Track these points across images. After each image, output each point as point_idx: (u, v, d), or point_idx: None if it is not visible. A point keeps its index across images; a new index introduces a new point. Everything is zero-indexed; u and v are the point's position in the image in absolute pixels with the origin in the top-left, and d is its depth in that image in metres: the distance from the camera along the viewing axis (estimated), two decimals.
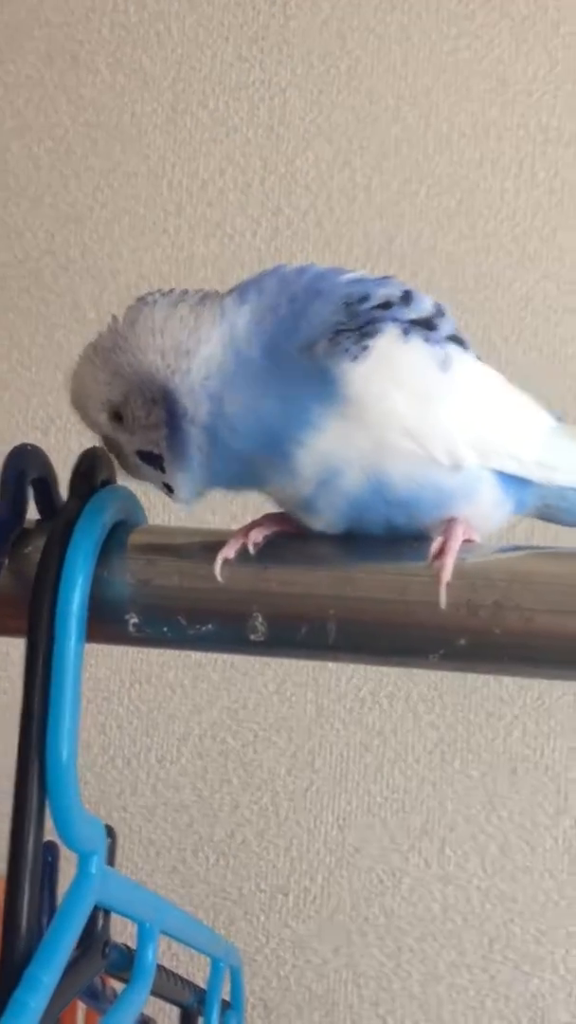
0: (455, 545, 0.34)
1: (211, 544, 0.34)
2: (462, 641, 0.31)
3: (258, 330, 0.36)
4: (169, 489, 0.38)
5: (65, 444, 0.87)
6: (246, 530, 0.35)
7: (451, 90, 0.84)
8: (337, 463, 0.35)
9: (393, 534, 0.36)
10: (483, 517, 0.37)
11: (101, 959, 0.38)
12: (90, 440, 0.95)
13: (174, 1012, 0.52)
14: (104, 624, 0.34)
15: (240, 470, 0.36)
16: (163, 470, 0.37)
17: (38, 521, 0.37)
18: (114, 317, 0.38)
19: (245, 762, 0.83)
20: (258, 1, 0.86)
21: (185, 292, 0.38)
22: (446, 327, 0.37)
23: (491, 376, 0.40)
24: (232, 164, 0.87)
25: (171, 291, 0.38)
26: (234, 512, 0.79)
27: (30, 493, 0.36)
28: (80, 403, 0.38)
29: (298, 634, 0.33)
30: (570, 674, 0.35)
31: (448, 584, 0.32)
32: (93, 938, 0.37)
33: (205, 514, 0.81)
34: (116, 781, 0.84)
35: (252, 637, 0.33)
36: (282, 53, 0.86)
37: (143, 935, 0.41)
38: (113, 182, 0.88)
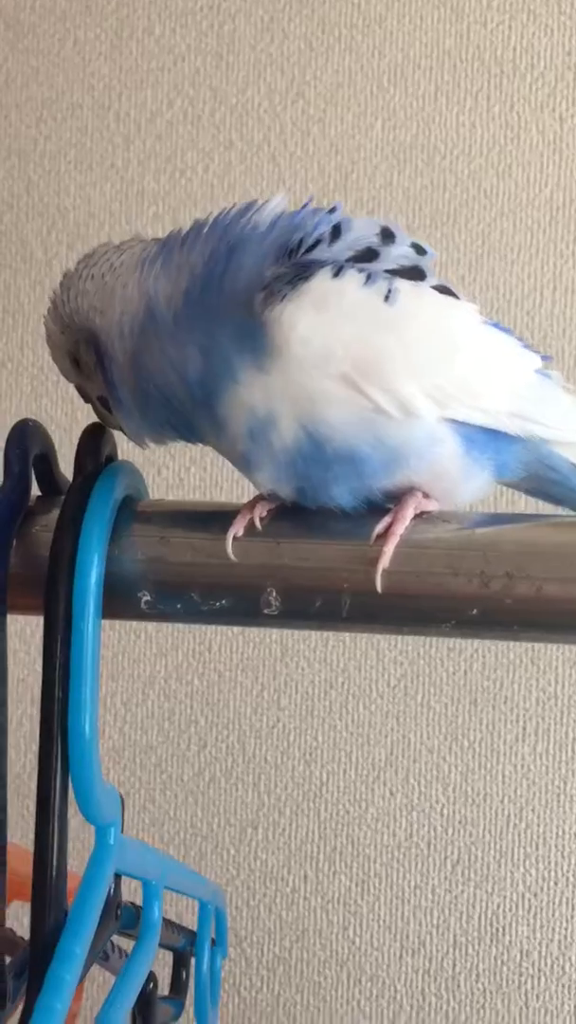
0: (400, 528, 0.32)
1: (221, 518, 0.34)
2: (474, 611, 0.32)
3: (175, 281, 0.34)
4: (122, 430, 0.37)
5: (17, 387, 0.86)
6: (251, 505, 0.35)
7: (404, 19, 0.82)
8: (265, 414, 0.33)
9: (351, 497, 0.34)
10: (448, 481, 0.34)
11: (115, 921, 0.39)
12: (41, 383, 0.92)
13: (168, 956, 0.54)
14: (116, 601, 0.34)
15: (173, 418, 0.36)
16: (110, 411, 0.37)
17: (38, 498, 0.36)
18: (65, 272, 0.38)
19: (211, 702, 0.84)
20: None
21: (127, 241, 0.38)
22: (394, 255, 0.34)
23: (455, 310, 0.35)
24: (181, 95, 0.84)
25: (120, 242, 0.38)
26: (245, 487, 0.79)
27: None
28: (53, 357, 0.39)
29: (312, 607, 0.33)
30: None
31: (386, 570, 0.31)
32: (107, 902, 0.38)
33: (211, 490, 0.81)
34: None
35: (266, 611, 0.33)
36: None
37: (148, 893, 0.42)
38: (56, 113, 0.85)
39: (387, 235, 0.34)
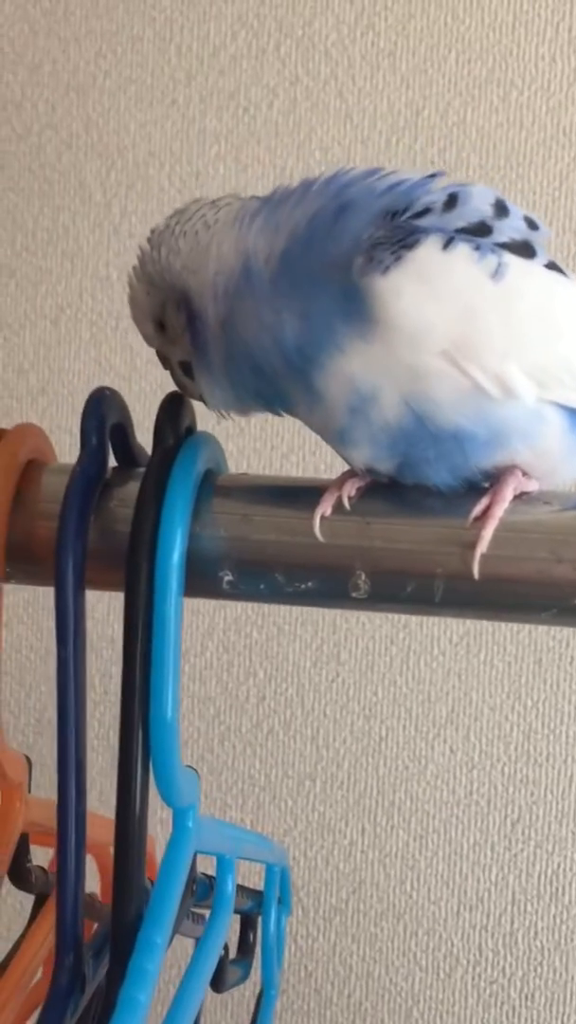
0: (499, 511, 0.31)
1: (307, 494, 0.33)
2: None
3: (275, 240, 0.33)
4: (202, 399, 0.36)
5: (76, 334, 0.84)
6: (340, 482, 0.33)
7: None
8: (367, 389, 0.32)
9: (451, 476, 0.33)
10: (550, 462, 0.33)
11: (190, 897, 0.38)
12: (100, 329, 0.91)
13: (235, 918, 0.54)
14: (196, 580, 0.32)
15: (263, 387, 0.34)
16: (192, 377, 0.36)
17: (114, 470, 0.35)
18: (153, 228, 0.36)
19: (271, 655, 0.83)
20: None
21: (221, 198, 0.36)
22: (507, 230, 0.33)
23: (563, 289, 0.34)
24: (245, 27, 0.81)
25: (215, 199, 0.36)
26: (316, 464, 0.78)
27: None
28: (134, 318, 0.37)
29: (403, 592, 0.31)
30: None
31: (483, 555, 0.30)
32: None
33: (290, 469, 0.79)
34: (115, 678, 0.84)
35: (354, 595, 0.32)
36: None
37: (222, 868, 0.42)
38: (116, 47, 0.82)
39: (500, 208, 0.33)
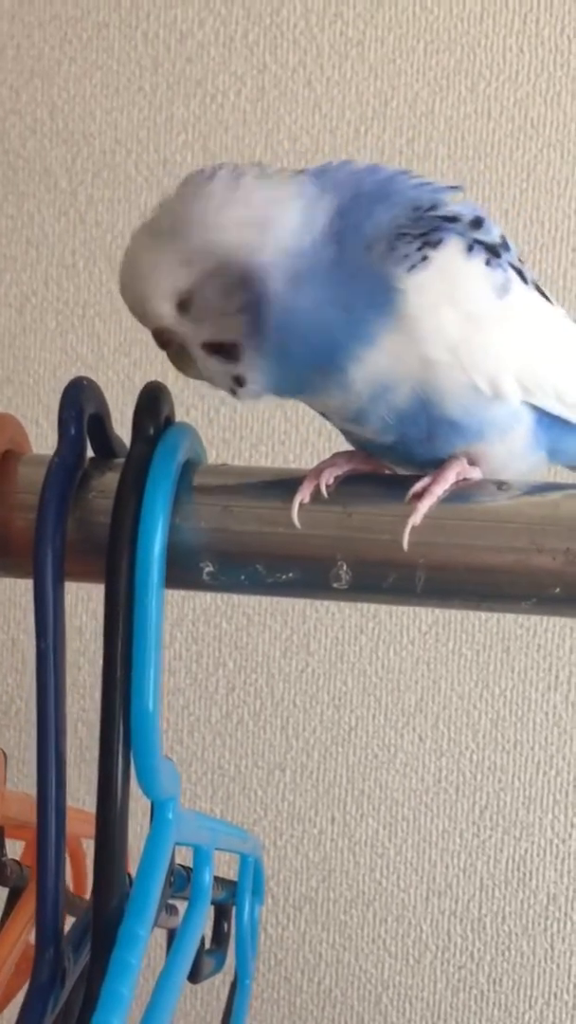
0: (438, 490, 0.33)
1: (287, 485, 0.33)
2: (556, 590, 0.31)
3: (332, 220, 0.33)
4: (238, 383, 0.34)
5: (42, 323, 0.83)
6: (317, 471, 0.34)
7: None
8: (389, 379, 0.34)
9: (433, 455, 0.35)
10: (512, 456, 0.36)
11: (168, 888, 0.38)
12: (67, 318, 0.90)
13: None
14: (176, 572, 0.32)
15: (301, 372, 0.34)
16: (237, 360, 0.34)
17: (91, 460, 0.34)
18: (167, 196, 0.34)
19: (240, 646, 0.83)
20: None
21: (267, 168, 0.35)
22: (508, 258, 0.36)
23: (549, 312, 0.38)
24: (212, 14, 0.80)
25: (220, 165, 0.34)
26: (285, 454, 0.77)
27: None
28: (139, 295, 0.34)
29: (385, 582, 0.32)
30: None
31: (414, 527, 0.32)
32: None
33: (259, 459, 0.79)
34: (93, 671, 0.84)
35: (335, 585, 0.32)
36: None
37: (200, 859, 0.41)
38: (82, 33, 0.81)
39: (504, 241, 0.36)
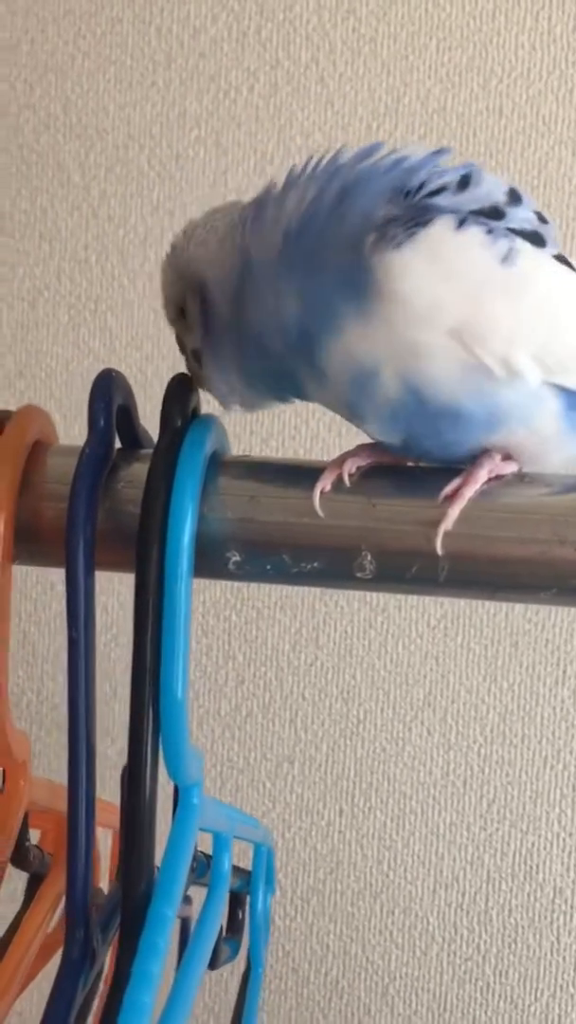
0: (469, 491, 0.32)
1: (313, 475, 0.33)
2: None
3: (274, 231, 0.33)
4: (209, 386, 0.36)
5: (55, 317, 0.84)
6: (340, 460, 0.34)
7: None
8: (369, 364, 0.32)
9: (450, 451, 0.33)
10: (546, 446, 0.34)
11: (191, 874, 0.38)
12: (79, 312, 0.90)
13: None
14: (203, 562, 0.33)
15: (270, 371, 0.34)
16: (200, 364, 0.36)
17: (119, 451, 0.35)
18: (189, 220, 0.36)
19: (249, 639, 0.84)
20: None
21: (256, 198, 0.36)
22: (519, 217, 0.33)
23: (569, 278, 0.34)
24: (226, 9, 0.80)
25: (246, 200, 0.36)
26: (295, 448, 0.78)
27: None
28: (164, 304, 0.37)
29: (408, 572, 0.32)
30: None
31: (447, 532, 0.31)
32: None
33: (269, 454, 0.79)
34: (120, 659, 0.85)
35: (359, 575, 0.32)
36: None
37: (219, 846, 0.42)
38: (96, 28, 0.81)
39: (514, 196, 0.33)
